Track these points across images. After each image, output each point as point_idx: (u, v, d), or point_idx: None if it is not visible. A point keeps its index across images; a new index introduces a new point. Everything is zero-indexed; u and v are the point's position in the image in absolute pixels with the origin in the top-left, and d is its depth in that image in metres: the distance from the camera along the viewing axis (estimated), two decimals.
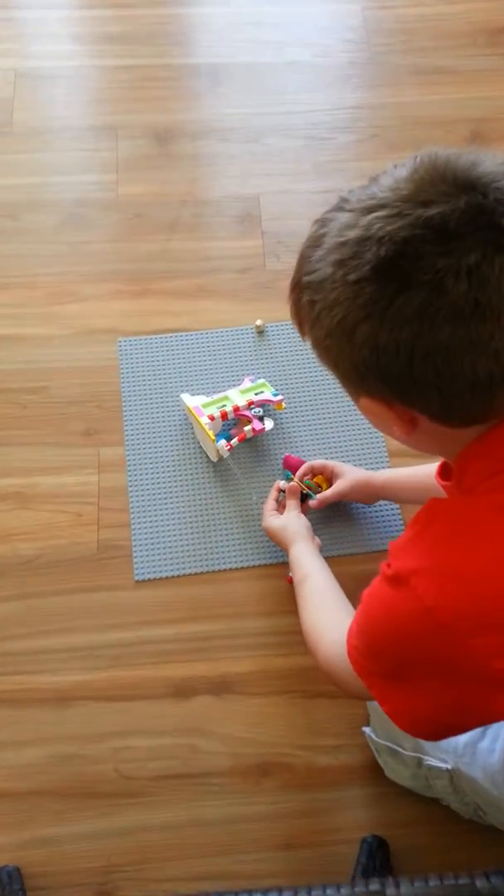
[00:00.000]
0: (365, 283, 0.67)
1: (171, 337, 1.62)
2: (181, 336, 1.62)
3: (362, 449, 1.52)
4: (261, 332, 1.63)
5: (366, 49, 1.99)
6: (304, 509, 1.36)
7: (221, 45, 1.98)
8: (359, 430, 1.53)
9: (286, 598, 1.38)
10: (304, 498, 1.39)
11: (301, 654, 1.33)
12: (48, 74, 1.92)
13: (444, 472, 0.86)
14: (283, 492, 1.39)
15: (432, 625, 0.71)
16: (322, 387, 1.57)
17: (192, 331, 1.62)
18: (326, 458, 1.44)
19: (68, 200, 1.76)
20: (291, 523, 1.30)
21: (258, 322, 1.61)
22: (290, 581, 1.35)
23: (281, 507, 1.38)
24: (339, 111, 1.91)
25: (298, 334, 0.81)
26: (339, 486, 1.36)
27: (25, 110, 1.87)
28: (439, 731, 0.83)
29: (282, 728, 1.30)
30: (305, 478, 1.42)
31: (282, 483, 1.40)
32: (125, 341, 1.61)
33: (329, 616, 1.08)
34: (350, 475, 1.36)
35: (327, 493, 1.37)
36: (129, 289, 1.66)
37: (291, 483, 1.37)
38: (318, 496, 1.38)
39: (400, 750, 1.15)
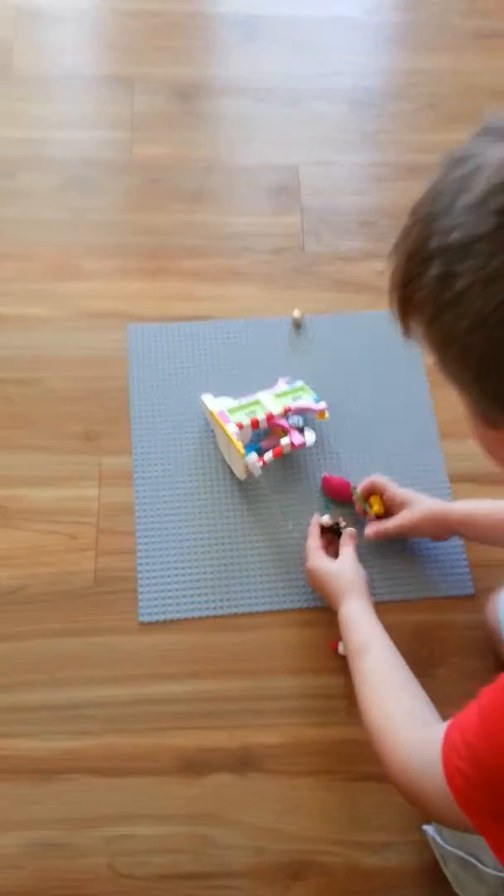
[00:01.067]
0: None
1: (190, 325, 1.35)
2: (203, 325, 1.36)
3: (417, 470, 1.26)
4: (298, 325, 1.37)
5: (422, 8, 1.74)
6: (332, 550, 1.13)
7: None
8: (414, 447, 1.28)
9: (326, 651, 1.12)
10: (336, 532, 1.14)
11: (343, 723, 1.08)
12: (56, 15, 1.65)
13: None
14: (327, 528, 1.15)
15: None
16: (372, 394, 1.32)
17: (215, 319, 1.36)
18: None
19: (74, 160, 1.49)
20: (347, 571, 1.05)
21: (296, 313, 1.35)
22: (335, 647, 1.11)
23: (328, 545, 1.13)
24: (392, 76, 1.66)
25: (400, 330, 0.60)
26: (407, 517, 1.11)
27: (27, 54, 1.60)
28: None
29: (318, 818, 1.04)
30: (360, 496, 1.17)
31: (323, 519, 1.15)
32: (136, 328, 1.34)
33: (400, 704, 0.84)
34: (422, 506, 1.11)
35: (390, 523, 1.12)
36: (143, 266, 1.40)
37: (349, 529, 1.14)
38: (377, 526, 1.13)
39: (477, 864, 0.89)
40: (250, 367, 1.33)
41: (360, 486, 1.17)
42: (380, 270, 1.42)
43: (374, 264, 1.43)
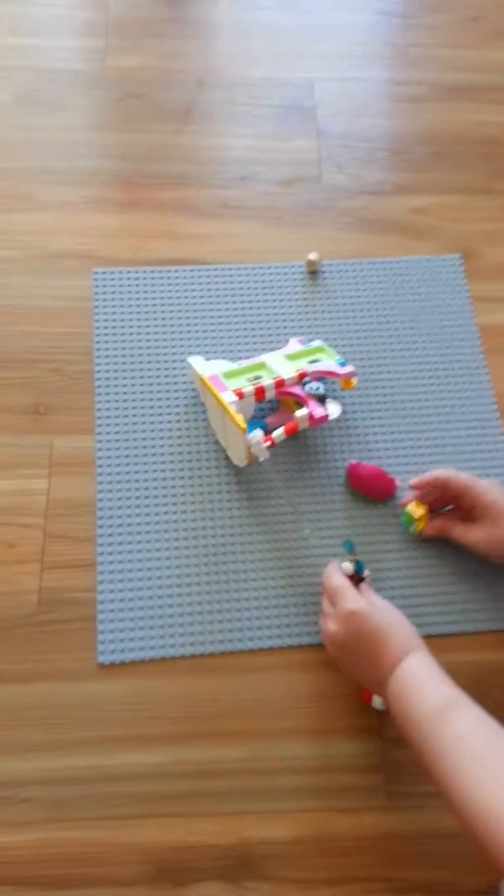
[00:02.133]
0: None
1: (175, 271, 1.04)
2: (191, 271, 1.05)
3: (475, 453, 0.95)
4: (314, 271, 1.06)
5: None
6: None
7: None
8: (466, 427, 0.97)
9: (356, 703, 0.80)
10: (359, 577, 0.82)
11: (382, 808, 0.77)
12: None
13: None
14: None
15: None
16: (411, 359, 1.01)
17: (208, 264, 1.05)
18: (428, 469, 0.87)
19: (32, 70, 1.19)
20: (406, 621, 0.75)
21: (311, 256, 1.04)
22: (369, 699, 0.79)
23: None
24: None
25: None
26: (493, 536, 0.80)
27: None
28: None
29: None
30: (407, 502, 0.86)
31: (345, 566, 0.81)
32: (103, 273, 1.03)
33: None
34: (494, 521, 0.80)
35: (468, 537, 0.82)
36: (115, 196, 1.09)
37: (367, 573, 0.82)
38: (447, 528, 0.84)
39: None
40: (252, 324, 1.02)
41: (413, 482, 0.86)
42: (416, 207, 1.12)
43: (408, 200, 1.12)
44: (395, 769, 0.78)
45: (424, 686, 0.68)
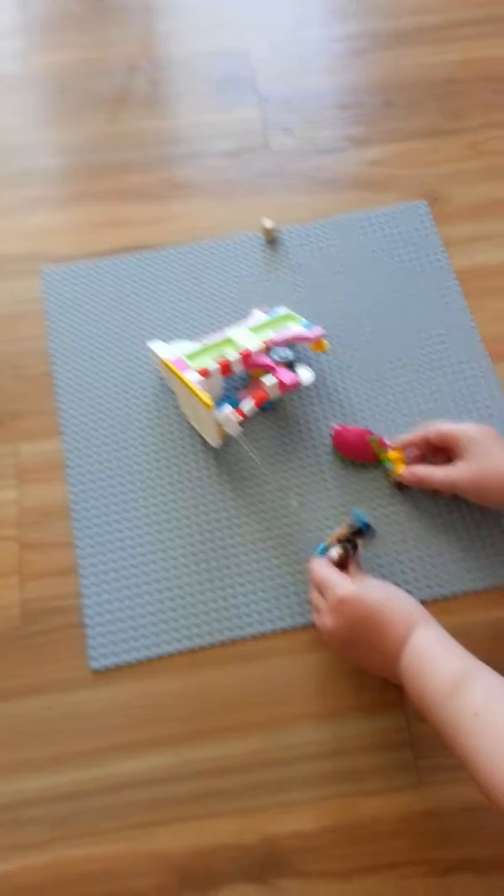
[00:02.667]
0: None
1: (127, 259, 1.00)
2: (144, 256, 1.01)
3: (467, 401, 0.90)
4: (272, 239, 1.01)
5: None
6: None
7: None
8: (456, 379, 0.92)
9: (373, 677, 0.75)
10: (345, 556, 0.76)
11: (414, 785, 0.72)
12: None
13: None
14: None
15: None
16: (386, 313, 0.96)
17: (160, 247, 1.01)
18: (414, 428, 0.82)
19: None
20: (406, 596, 0.70)
21: (267, 223, 1.00)
22: None
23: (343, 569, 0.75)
24: None
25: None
26: (464, 472, 0.75)
27: None
28: None
29: None
30: (388, 448, 0.82)
31: (332, 554, 0.75)
32: (53, 271, 0.99)
33: None
34: (484, 460, 0.74)
35: (436, 474, 0.76)
36: (57, 193, 1.05)
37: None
38: (420, 471, 0.78)
39: None
40: (214, 302, 0.97)
41: (394, 443, 0.81)
42: (373, 159, 1.07)
43: (364, 153, 1.08)
44: (424, 743, 0.73)
45: (434, 662, 0.62)
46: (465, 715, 0.58)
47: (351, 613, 0.69)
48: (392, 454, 0.82)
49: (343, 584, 0.70)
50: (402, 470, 0.81)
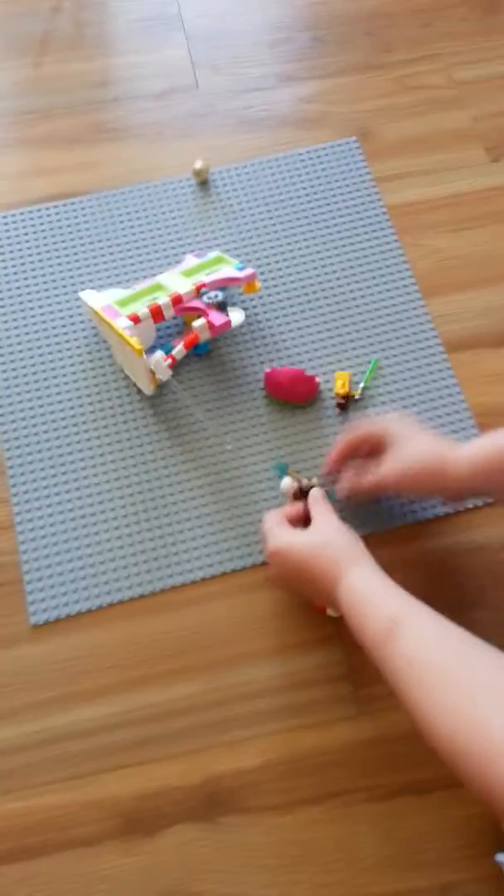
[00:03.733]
0: None
1: (54, 207, 0.98)
2: (72, 203, 0.98)
3: (400, 346, 0.89)
4: (203, 180, 0.99)
5: None
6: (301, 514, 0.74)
7: None
8: (388, 315, 0.91)
9: (311, 615, 0.76)
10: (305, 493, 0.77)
11: (352, 717, 0.73)
12: None
13: None
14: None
15: None
16: (318, 253, 0.95)
17: (89, 193, 0.98)
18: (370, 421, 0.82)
19: None
20: (336, 536, 0.69)
21: (197, 165, 0.98)
22: (324, 608, 0.74)
23: (293, 518, 0.74)
24: None
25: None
26: (390, 471, 0.72)
27: None
28: None
29: (338, 866, 0.68)
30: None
31: (284, 483, 0.77)
32: None
33: (487, 701, 0.51)
34: (403, 451, 0.72)
35: (364, 480, 0.74)
36: None
37: (315, 489, 0.75)
38: (350, 484, 0.76)
39: None
40: (146, 247, 0.95)
41: (327, 468, 0.79)
42: (303, 96, 1.04)
43: (294, 90, 1.05)
44: (362, 673, 0.74)
45: (365, 607, 0.62)
46: (399, 662, 0.57)
47: (281, 564, 0.70)
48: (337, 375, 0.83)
49: (273, 538, 0.70)
50: (338, 488, 0.78)
